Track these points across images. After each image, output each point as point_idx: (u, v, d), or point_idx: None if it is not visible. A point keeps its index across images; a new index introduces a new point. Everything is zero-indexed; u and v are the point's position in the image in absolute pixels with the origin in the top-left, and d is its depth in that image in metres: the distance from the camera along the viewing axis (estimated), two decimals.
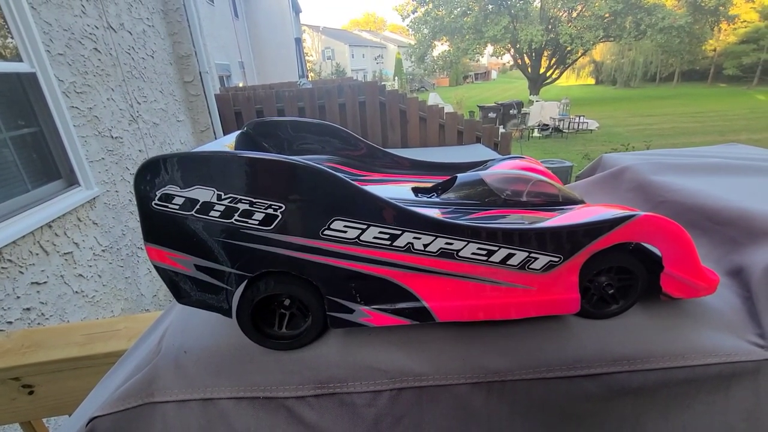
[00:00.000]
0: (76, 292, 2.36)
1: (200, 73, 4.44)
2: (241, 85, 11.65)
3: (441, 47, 26.72)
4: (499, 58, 27.16)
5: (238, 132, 0.71)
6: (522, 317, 0.48)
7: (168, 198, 0.39)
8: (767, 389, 0.45)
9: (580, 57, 24.19)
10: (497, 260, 0.44)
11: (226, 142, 0.70)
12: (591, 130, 13.61)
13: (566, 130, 13.38)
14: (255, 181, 0.39)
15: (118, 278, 2.83)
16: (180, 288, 0.45)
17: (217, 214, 0.40)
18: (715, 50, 28.50)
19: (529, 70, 23.52)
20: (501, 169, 0.63)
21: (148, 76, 3.59)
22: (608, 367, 0.46)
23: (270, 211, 0.40)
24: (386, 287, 0.45)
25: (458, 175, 0.61)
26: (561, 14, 22.11)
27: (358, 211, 0.41)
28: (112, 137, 2.92)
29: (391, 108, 5.31)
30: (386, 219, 0.42)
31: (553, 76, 24.09)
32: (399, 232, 0.42)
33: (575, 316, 0.50)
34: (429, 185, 0.64)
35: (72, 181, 2.48)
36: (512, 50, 23.04)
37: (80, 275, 2.41)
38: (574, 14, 21.55)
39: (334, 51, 37.33)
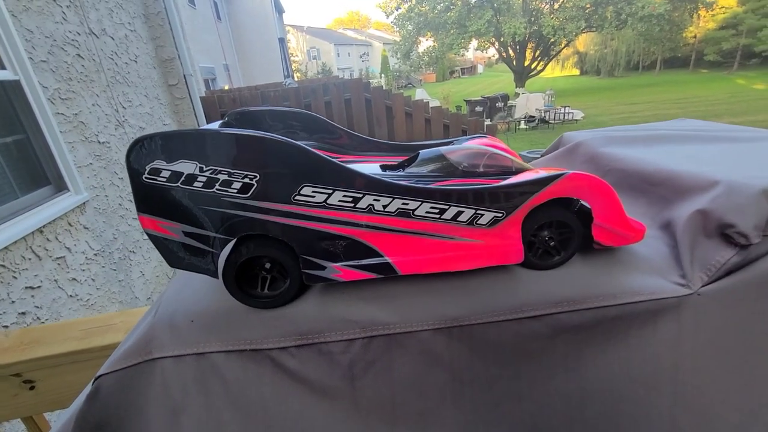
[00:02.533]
0: (71, 295, 2.39)
1: (184, 76, 4.45)
2: (226, 87, 11.60)
3: (426, 43, 26.81)
4: (484, 52, 27.31)
5: (219, 122, 0.77)
6: (474, 267, 0.54)
7: (156, 172, 0.45)
8: (687, 321, 0.52)
9: (563, 48, 24.42)
10: (449, 217, 0.51)
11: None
12: (576, 120, 13.79)
13: (552, 121, 13.55)
14: (231, 154, 0.45)
15: (111, 281, 2.85)
16: (171, 253, 0.50)
17: (200, 184, 0.46)
18: (695, 37, 28.97)
19: (514, 63, 23.70)
20: (460, 145, 0.69)
21: (132, 81, 3.60)
22: (550, 309, 0.53)
23: (246, 180, 0.46)
24: (353, 245, 0.51)
25: (420, 151, 0.67)
26: (543, 6, 22.31)
27: (323, 177, 0.47)
28: (99, 142, 2.94)
29: (376, 104, 5.37)
30: (348, 184, 0.48)
31: (538, 68, 24.30)
32: (360, 195, 0.48)
33: (524, 267, 0.57)
34: (393, 162, 0.71)
35: (61, 187, 2.50)
36: (496, 44, 23.20)
37: (74, 279, 2.44)
38: (556, 6, 21.77)
39: (319, 50, 37.22)
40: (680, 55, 30.76)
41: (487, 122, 12.66)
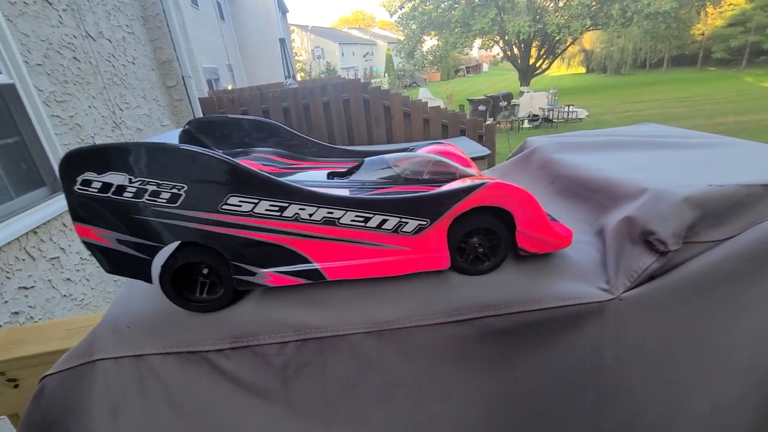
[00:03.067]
0: (65, 295, 2.44)
1: (183, 77, 4.50)
2: (229, 87, 11.68)
3: (430, 42, 26.76)
4: (489, 50, 27.20)
5: (180, 130, 0.79)
6: (402, 273, 0.56)
7: (87, 183, 0.47)
8: (609, 325, 0.54)
9: (569, 46, 24.27)
10: (374, 225, 0.52)
11: (171, 138, 0.78)
12: (580, 118, 13.71)
13: (556, 120, 13.48)
14: (159, 166, 0.47)
15: (107, 281, 2.90)
16: (106, 260, 0.52)
17: (130, 195, 0.48)
18: (703, 34, 28.61)
19: (519, 61, 23.59)
20: (405, 153, 0.71)
21: (129, 83, 3.65)
22: (478, 313, 0.54)
23: (175, 191, 0.48)
24: (281, 252, 0.53)
25: (366, 158, 0.69)
26: (548, 4, 22.17)
27: (249, 187, 0.49)
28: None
29: (375, 105, 5.39)
30: (274, 193, 0.50)
31: (543, 67, 24.17)
32: (286, 204, 0.50)
33: (456, 273, 0.59)
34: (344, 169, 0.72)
35: (56, 188, 2.55)
36: (501, 42, 23.10)
37: (68, 279, 2.49)
38: (561, 3, 21.63)
39: (324, 50, 37.30)
40: (688, 53, 30.40)
41: (489, 121, 12.63)
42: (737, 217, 0.54)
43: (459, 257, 0.57)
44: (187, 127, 0.78)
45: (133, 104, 3.65)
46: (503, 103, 14.35)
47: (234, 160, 0.49)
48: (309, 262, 0.54)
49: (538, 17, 21.02)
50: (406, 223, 0.52)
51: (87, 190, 0.47)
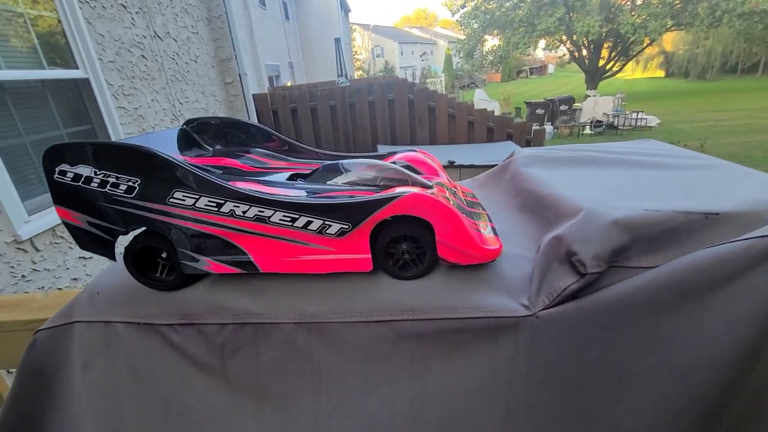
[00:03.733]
0: None
1: (239, 74, 4.82)
2: (289, 84, 12.25)
3: (492, 41, 26.04)
4: (554, 51, 25.88)
5: (178, 127, 0.89)
6: (327, 272, 0.60)
7: (63, 173, 0.56)
8: (523, 341, 0.54)
9: (645, 48, 22.41)
10: (300, 225, 0.56)
11: (170, 136, 0.88)
12: (650, 126, 12.66)
13: (622, 127, 12.55)
14: (117, 161, 0.55)
15: None
16: (79, 239, 0.62)
17: (96, 184, 0.56)
18: None
19: (587, 63, 22.21)
20: (359, 160, 0.74)
21: (190, 79, 3.99)
22: (396, 316, 0.57)
23: (130, 183, 0.56)
24: (220, 243, 0.59)
25: (324, 162, 0.73)
26: (623, 2, 20.62)
27: (191, 184, 0.56)
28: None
29: (419, 105, 5.40)
30: (212, 191, 0.56)
31: (614, 69, 22.55)
32: (222, 201, 0.56)
33: (386, 276, 0.61)
34: (308, 171, 0.77)
35: None
36: (568, 42, 21.90)
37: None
38: (639, 1, 20.01)
39: (383, 49, 37.68)
40: None
41: (547, 126, 12.05)
42: (673, 245, 0.52)
43: (389, 262, 0.60)
44: (184, 126, 0.88)
45: (192, 99, 3.98)
46: (563, 107, 13.64)
47: (178, 159, 0.56)
48: (244, 254, 0.59)
49: (611, 16, 19.62)
50: (330, 225, 0.56)
51: (63, 179, 0.57)
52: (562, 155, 0.81)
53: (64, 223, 0.61)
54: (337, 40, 10.00)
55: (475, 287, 0.58)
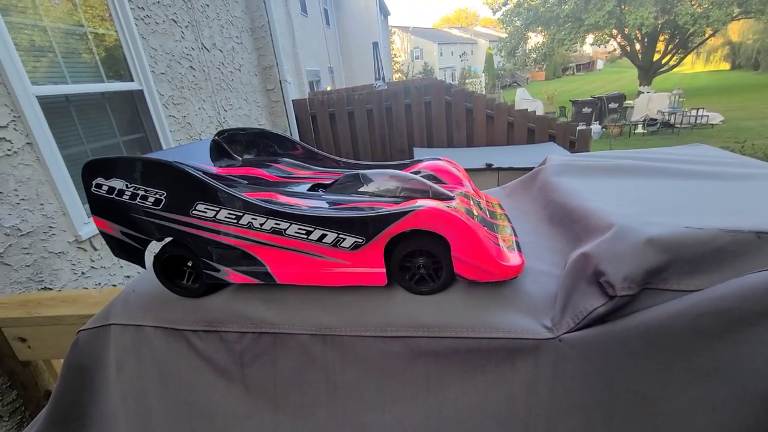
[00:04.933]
0: None
1: (280, 81, 4.99)
2: (328, 88, 12.50)
3: (535, 39, 25.17)
4: (603, 46, 24.54)
5: (210, 138, 0.92)
6: (342, 285, 0.59)
7: (99, 186, 0.60)
8: (544, 366, 0.50)
9: (707, 39, 20.71)
10: (315, 238, 0.57)
11: (203, 147, 0.92)
12: (712, 124, 11.67)
13: (679, 125, 11.66)
14: (145, 175, 0.58)
15: None
16: (114, 247, 0.66)
17: (128, 197, 0.60)
18: None
19: (640, 57, 20.87)
20: (381, 170, 0.73)
21: (234, 87, 4.18)
22: (410, 332, 0.56)
23: (157, 196, 0.59)
24: (240, 254, 0.61)
25: (345, 172, 0.73)
26: None
27: (212, 197, 0.58)
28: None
29: (456, 107, 5.31)
30: (231, 204, 0.57)
31: (671, 63, 21.01)
32: (241, 214, 0.57)
33: (403, 291, 0.60)
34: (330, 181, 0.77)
35: None
36: (618, 37, 20.69)
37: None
38: None
39: (422, 50, 37.56)
40: None
41: (593, 126, 11.43)
42: (717, 267, 0.46)
43: (404, 276, 0.59)
44: (216, 137, 0.91)
45: (235, 106, 4.17)
46: (613, 105, 12.90)
47: (200, 173, 0.58)
48: (262, 265, 0.61)
49: (667, 7, 18.30)
50: (344, 239, 0.56)
51: (99, 192, 0.61)
52: (598, 163, 0.76)
53: (101, 232, 0.65)
54: (375, 44, 10.09)
55: (494, 305, 0.55)
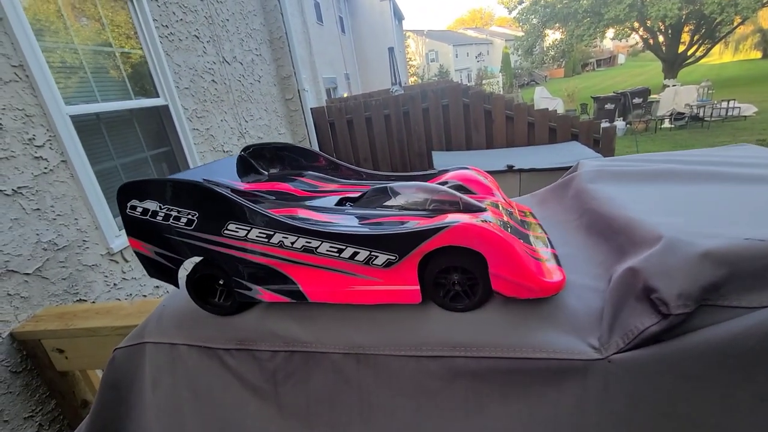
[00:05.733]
0: None
1: (299, 90, 5.05)
2: (345, 95, 12.61)
3: (553, 36, 24.73)
4: (624, 40, 23.88)
5: (237, 155, 0.93)
6: (374, 303, 0.58)
7: (134, 207, 0.61)
8: (593, 388, 0.47)
9: (736, 28, 19.85)
10: (347, 256, 0.56)
11: (230, 163, 0.93)
12: (744, 116, 11.14)
13: (709, 119, 11.18)
14: (176, 196, 0.59)
15: None
16: (148, 267, 0.67)
17: (161, 218, 0.61)
18: None
19: (664, 50, 20.18)
20: (409, 183, 0.72)
21: (255, 98, 4.26)
22: (447, 351, 0.54)
23: (190, 216, 0.59)
24: (272, 273, 0.60)
25: (372, 186, 0.72)
26: None
27: (243, 216, 0.58)
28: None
29: (475, 109, 5.25)
30: (262, 223, 0.57)
31: (697, 54, 20.22)
32: (272, 233, 0.57)
33: (437, 308, 0.58)
34: (357, 194, 0.77)
35: None
36: (640, 30, 20.09)
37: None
38: None
39: (438, 53, 37.49)
40: None
41: (617, 122, 11.10)
42: None
43: (439, 293, 0.57)
44: (242, 153, 0.92)
45: (256, 116, 4.25)
46: (637, 101, 12.50)
47: (230, 193, 0.58)
48: (294, 283, 0.60)
49: None
50: (376, 256, 0.55)
51: (134, 213, 0.62)
52: (636, 168, 0.72)
53: (136, 252, 0.66)
54: (391, 50, 10.13)
55: (535, 323, 0.53)
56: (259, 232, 0.58)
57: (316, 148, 5.40)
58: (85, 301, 2.19)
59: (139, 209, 0.61)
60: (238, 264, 0.61)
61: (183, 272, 0.67)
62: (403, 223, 0.62)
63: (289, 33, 4.81)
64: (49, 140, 2.03)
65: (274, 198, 0.75)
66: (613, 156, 5.15)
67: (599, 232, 0.63)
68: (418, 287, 0.56)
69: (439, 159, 4.79)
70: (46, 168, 2.00)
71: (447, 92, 5.28)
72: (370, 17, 17.23)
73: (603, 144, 5.05)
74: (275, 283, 0.61)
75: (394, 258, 0.54)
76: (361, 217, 0.66)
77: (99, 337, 1.74)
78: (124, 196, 0.62)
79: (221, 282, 0.67)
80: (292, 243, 0.57)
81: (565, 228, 0.71)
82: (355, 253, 0.55)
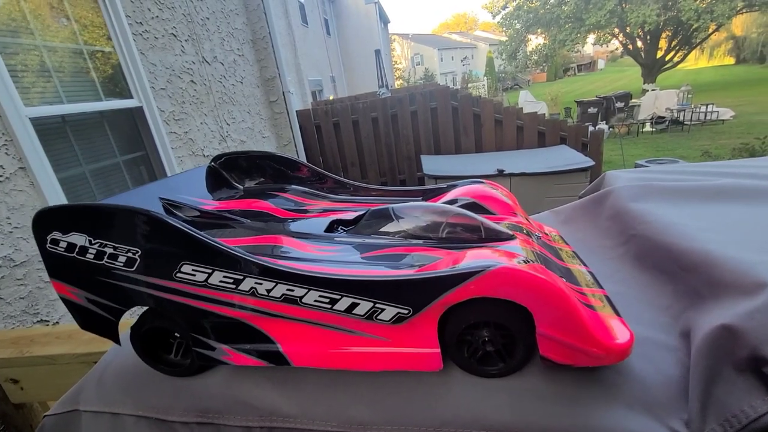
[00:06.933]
0: None
1: (283, 93, 4.88)
2: (331, 98, 12.44)
3: (536, 41, 25.08)
4: (604, 45, 24.38)
5: (206, 166, 0.79)
6: (380, 369, 0.44)
7: (55, 242, 0.47)
8: None
9: (711, 34, 20.45)
10: (342, 309, 0.42)
11: (199, 175, 0.78)
12: (723, 120, 11.42)
13: (688, 122, 11.41)
14: (113, 228, 0.44)
15: None
16: (80, 317, 0.52)
17: (92, 256, 0.46)
18: None
19: (643, 55, 20.64)
20: (416, 203, 0.59)
21: (237, 100, 4.08)
22: None
23: (130, 254, 0.45)
24: (241, 328, 0.46)
25: (371, 208, 0.59)
26: None
27: (202, 256, 0.44)
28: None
29: (464, 112, 5.18)
30: (227, 264, 0.43)
31: (675, 60, 20.74)
32: (241, 277, 0.43)
33: (460, 370, 0.45)
34: (352, 216, 0.63)
35: None
36: (620, 35, 20.52)
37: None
38: None
39: (423, 56, 37.61)
40: None
41: (601, 125, 11.23)
42: None
43: (462, 351, 0.44)
44: (212, 164, 0.78)
45: (238, 119, 4.07)
46: (619, 105, 12.69)
47: (186, 226, 0.44)
48: (272, 342, 0.46)
49: (669, 3, 18.09)
50: (382, 309, 0.41)
51: (56, 249, 0.47)
52: (688, 184, 0.61)
53: (62, 299, 0.51)
54: (378, 52, 10.02)
55: (594, 397, 0.40)
56: (224, 276, 0.44)
57: (302, 151, 5.23)
58: (47, 322, 1.99)
59: (63, 244, 0.47)
60: (197, 316, 0.47)
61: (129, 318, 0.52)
62: (415, 258, 0.48)
63: (273, 33, 4.65)
64: (5, 145, 1.83)
65: (249, 222, 0.60)
66: (601, 159, 5.14)
67: (657, 267, 0.51)
68: (439, 350, 0.43)
69: (429, 163, 4.68)
70: (0, 176, 1.81)
71: (435, 95, 5.19)
72: (356, 20, 17.10)
73: (591, 148, 5.03)
74: (247, 341, 0.47)
75: (406, 312, 0.41)
76: (358, 247, 0.53)
77: (58, 365, 1.55)
78: (41, 227, 0.47)
79: (177, 335, 0.52)
80: (269, 291, 0.43)
81: (604, 257, 0.59)
82: (354, 305, 0.42)
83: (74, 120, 2.29)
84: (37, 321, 1.93)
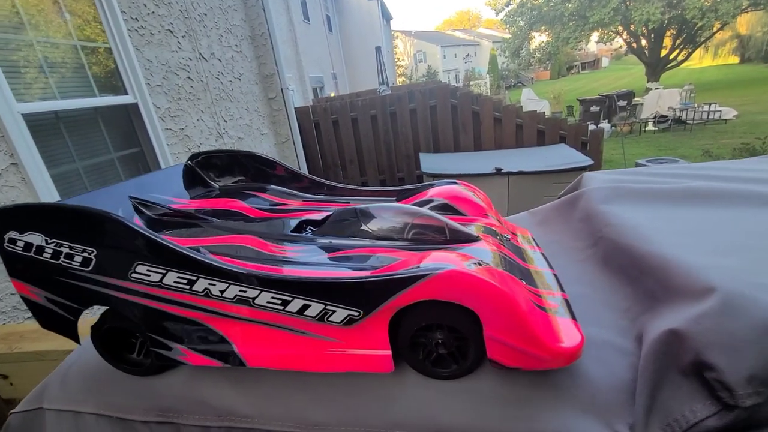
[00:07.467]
0: None
1: (282, 89, 4.88)
2: (332, 95, 12.42)
3: (539, 38, 24.96)
4: (608, 43, 24.24)
5: (183, 164, 0.79)
6: (334, 371, 0.44)
7: (13, 241, 0.46)
8: None
9: (715, 33, 20.28)
10: (294, 310, 0.42)
11: (176, 174, 0.78)
12: (725, 119, 11.33)
13: (692, 122, 11.32)
14: (64, 227, 0.44)
15: None
16: (40, 316, 0.52)
17: (49, 255, 0.46)
18: None
19: (647, 53, 20.50)
20: (382, 204, 0.58)
21: (234, 97, 4.07)
22: None
23: (85, 254, 0.45)
24: (197, 328, 0.46)
25: (338, 208, 0.58)
26: None
27: (157, 256, 0.43)
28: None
29: (463, 110, 5.15)
30: (181, 265, 0.43)
31: (679, 59, 20.60)
32: (195, 278, 0.43)
33: (415, 373, 0.45)
34: (322, 216, 0.63)
35: None
36: (624, 33, 20.39)
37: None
38: None
39: (425, 54, 37.50)
40: None
41: (602, 124, 11.17)
42: None
43: (417, 354, 0.44)
44: (189, 162, 0.78)
45: (236, 116, 4.06)
46: (622, 103, 12.61)
47: (141, 227, 0.44)
48: (227, 342, 0.46)
49: (674, 1, 17.95)
50: (333, 311, 0.41)
51: (14, 248, 0.47)
52: (659, 187, 0.60)
53: (22, 298, 0.51)
54: (378, 49, 9.97)
55: (542, 398, 0.40)
56: (178, 277, 0.44)
57: (300, 149, 5.22)
58: None
59: (20, 243, 0.46)
60: (154, 317, 0.47)
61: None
62: (378, 257, 0.48)
63: (272, 29, 4.63)
64: None
65: (217, 221, 0.60)
66: (600, 158, 5.11)
67: (620, 269, 0.50)
68: (389, 352, 0.42)
69: (427, 161, 4.67)
70: None
71: (435, 93, 5.17)
72: (358, 16, 17.05)
73: (591, 147, 5.00)
74: (203, 342, 0.47)
75: (357, 314, 0.41)
76: (324, 248, 0.52)
77: (48, 361, 1.56)
78: None
79: (137, 334, 0.52)
80: (222, 292, 0.43)
81: (574, 259, 0.58)
82: (305, 306, 0.42)
83: (68, 116, 2.30)
84: (28, 317, 1.94)
